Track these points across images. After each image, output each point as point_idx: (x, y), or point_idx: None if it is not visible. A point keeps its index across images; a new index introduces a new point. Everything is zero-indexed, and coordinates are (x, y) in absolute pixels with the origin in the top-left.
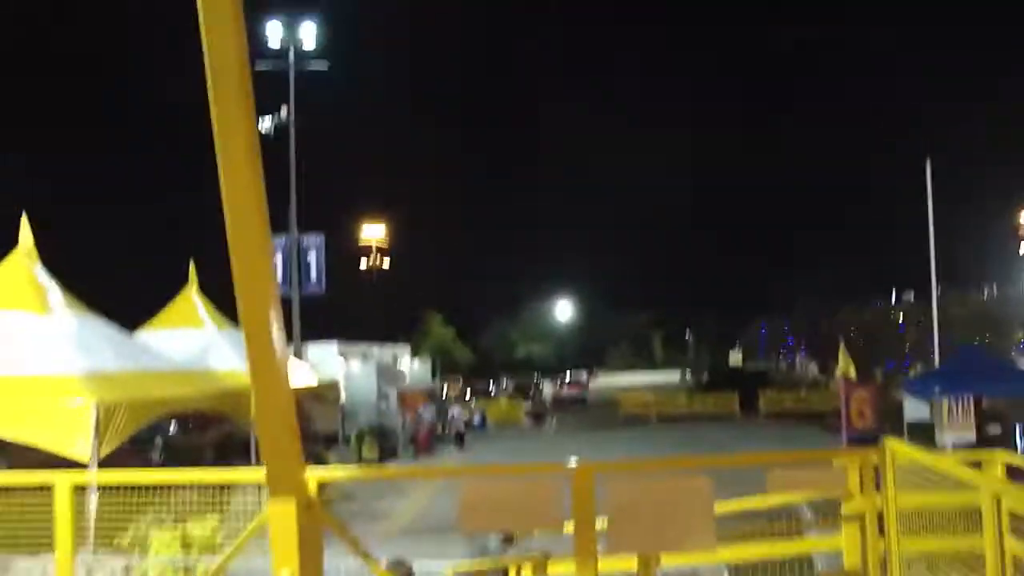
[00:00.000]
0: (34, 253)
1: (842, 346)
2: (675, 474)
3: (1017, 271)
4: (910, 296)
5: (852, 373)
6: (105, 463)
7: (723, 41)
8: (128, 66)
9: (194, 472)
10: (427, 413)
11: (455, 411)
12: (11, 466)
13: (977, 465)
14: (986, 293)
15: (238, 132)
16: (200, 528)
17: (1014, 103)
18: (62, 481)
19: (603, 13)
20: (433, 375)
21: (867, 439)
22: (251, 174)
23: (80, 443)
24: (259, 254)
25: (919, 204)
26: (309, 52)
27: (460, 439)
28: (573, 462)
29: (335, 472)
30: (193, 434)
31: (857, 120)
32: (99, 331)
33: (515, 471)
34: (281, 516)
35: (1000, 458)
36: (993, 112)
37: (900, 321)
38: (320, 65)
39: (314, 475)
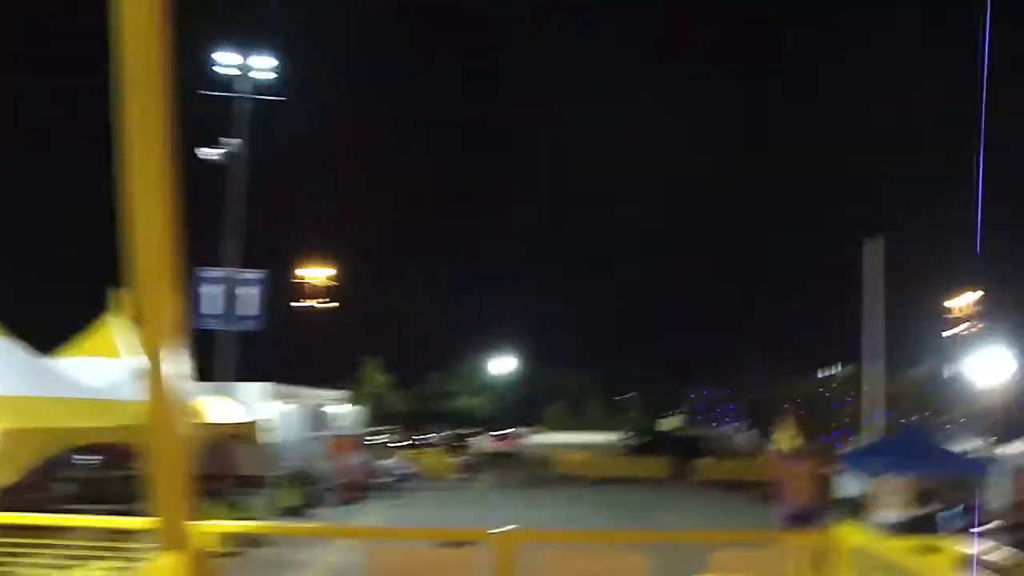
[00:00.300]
0: None
1: (785, 418)
2: (610, 548)
3: (949, 353)
4: (847, 370)
5: (792, 445)
6: (7, 496)
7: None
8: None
9: (72, 518)
10: (358, 461)
11: (389, 461)
12: None
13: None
14: (919, 373)
15: (148, 144)
16: None
17: (960, 189)
18: None
19: (563, 68)
20: (367, 423)
21: (803, 516)
22: (159, 191)
23: None
24: (161, 285)
25: (855, 281)
26: (266, 82)
27: (399, 491)
28: (498, 528)
29: (228, 526)
30: (116, 468)
31: (804, 195)
32: (9, 353)
33: (430, 535)
34: (165, 573)
35: (950, 546)
36: (938, 196)
37: (830, 395)
38: (277, 96)
39: (207, 528)
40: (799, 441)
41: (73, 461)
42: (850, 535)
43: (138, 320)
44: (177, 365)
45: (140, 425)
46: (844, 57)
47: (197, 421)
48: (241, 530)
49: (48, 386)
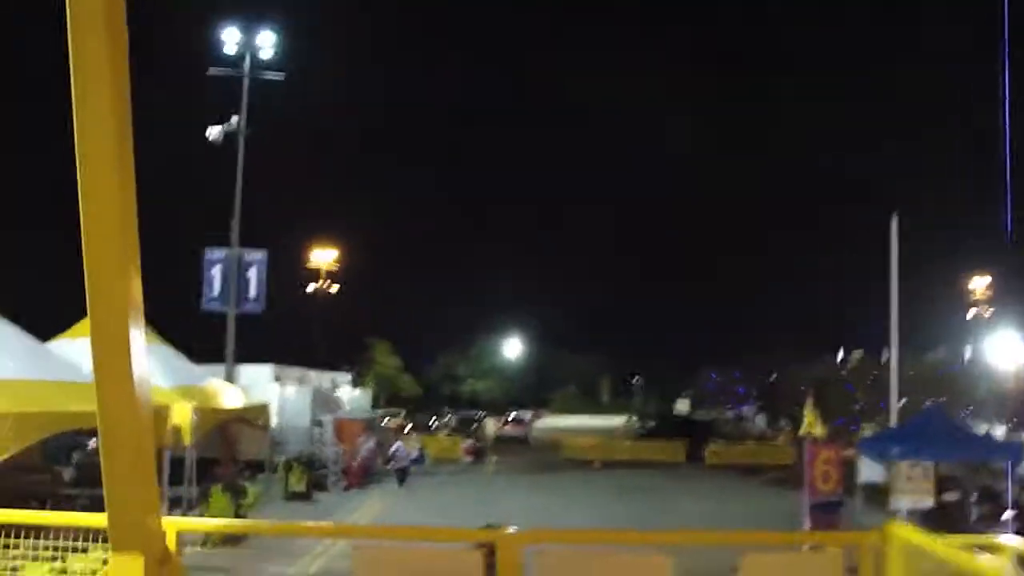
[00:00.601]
0: None
1: (809, 402)
2: (628, 549)
3: (968, 336)
4: (859, 355)
5: (817, 431)
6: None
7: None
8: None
9: (26, 513)
10: (366, 445)
11: (398, 445)
12: None
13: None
14: (939, 356)
15: (101, 98)
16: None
17: (976, 171)
18: None
19: (581, 60)
20: (375, 406)
21: (830, 505)
22: (113, 162)
23: None
24: (114, 253)
25: (872, 263)
26: (266, 61)
27: (402, 475)
28: (503, 528)
29: (196, 523)
30: None
31: (821, 175)
32: (2, 336)
33: (425, 535)
34: (125, 574)
35: (1010, 547)
36: (954, 178)
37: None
38: (277, 75)
39: (172, 525)
40: (824, 426)
41: (88, 445)
42: (899, 534)
43: (92, 306)
44: (136, 351)
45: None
46: (879, 32)
47: (201, 405)
48: (210, 528)
49: (46, 369)
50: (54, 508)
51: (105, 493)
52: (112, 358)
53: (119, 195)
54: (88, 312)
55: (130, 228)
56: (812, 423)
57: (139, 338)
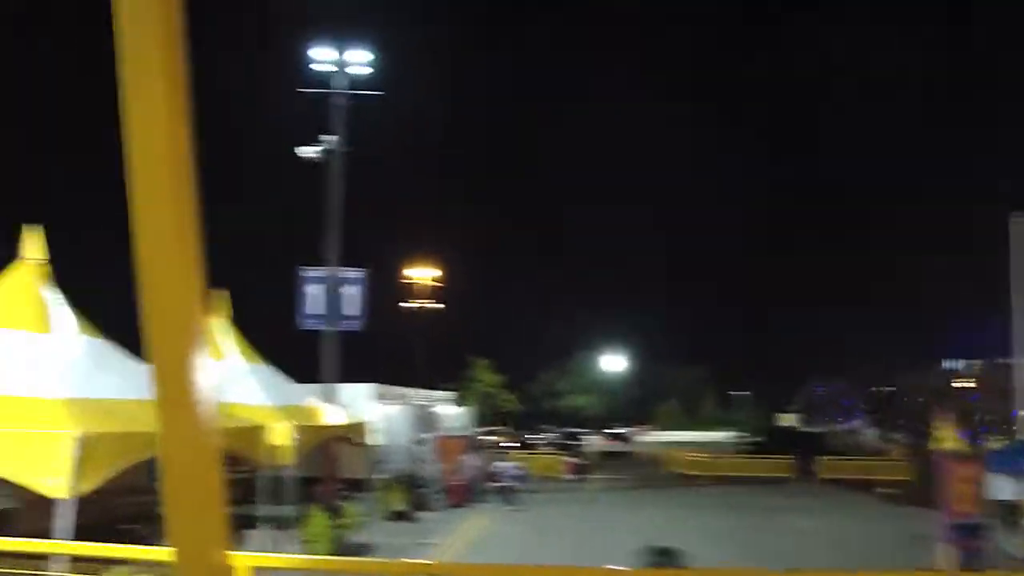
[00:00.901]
0: (41, 268)
1: (941, 414)
2: None
3: None
4: (978, 364)
5: (951, 445)
6: (89, 502)
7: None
8: None
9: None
10: (469, 463)
11: (502, 463)
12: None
13: None
14: None
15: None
16: None
17: None
18: None
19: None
20: (476, 423)
21: (970, 527)
22: (174, 184)
23: (55, 478)
24: (180, 286)
25: (985, 267)
26: (362, 77)
27: (506, 493)
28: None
29: (267, 558)
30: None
31: (933, 174)
32: (103, 355)
33: None
34: None
35: None
36: None
37: (969, 389)
38: (373, 93)
39: (243, 559)
40: (961, 441)
41: None
42: None
43: (148, 327)
44: (199, 374)
45: (243, 428)
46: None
47: (302, 423)
48: (282, 564)
49: (136, 388)
50: (159, 529)
51: (166, 526)
52: (172, 382)
53: (176, 205)
54: (144, 334)
55: (190, 241)
56: (945, 437)
57: (202, 360)
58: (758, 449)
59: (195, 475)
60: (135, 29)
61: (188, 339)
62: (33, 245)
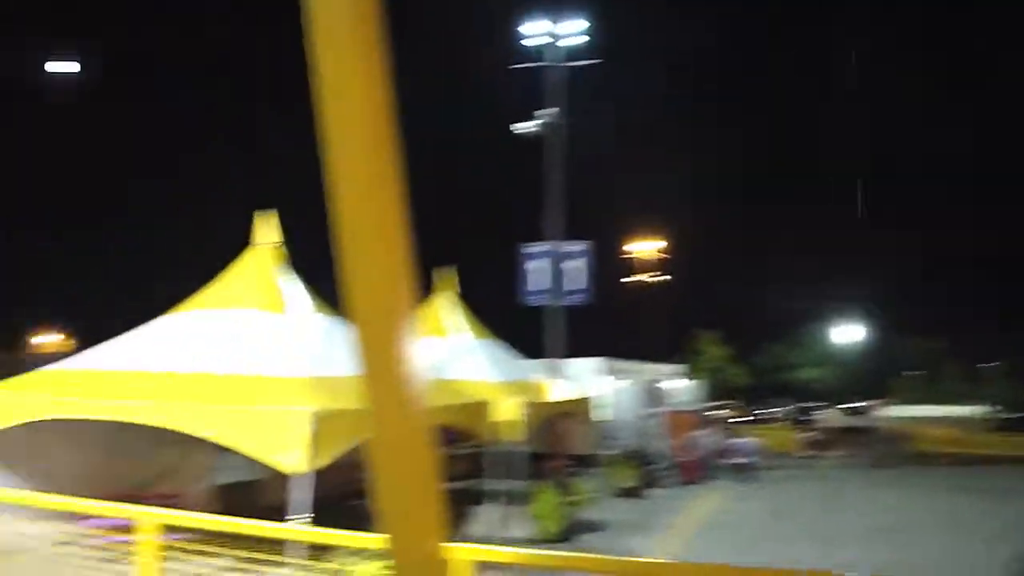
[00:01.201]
0: (275, 251)
1: None
2: None
3: None
4: None
5: None
6: (324, 477)
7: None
8: None
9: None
10: (704, 439)
11: (737, 439)
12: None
13: None
14: None
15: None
16: None
17: None
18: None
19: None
20: (705, 398)
21: None
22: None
23: (291, 454)
24: (386, 266)
25: None
26: (577, 48)
27: (743, 470)
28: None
29: (489, 552)
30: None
31: None
32: (336, 334)
33: None
34: None
35: None
36: None
37: None
38: (589, 62)
39: (461, 553)
40: None
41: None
42: None
43: (353, 309)
44: (408, 355)
45: (469, 404)
46: None
47: (529, 399)
48: (507, 559)
49: None
50: None
51: (379, 514)
52: (380, 365)
53: (378, 181)
54: (351, 316)
55: (395, 217)
56: None
57: (411, 342)
58: (1014, 426)
59: (406, 461)
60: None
61: (395, 318)
62: (266, 229)
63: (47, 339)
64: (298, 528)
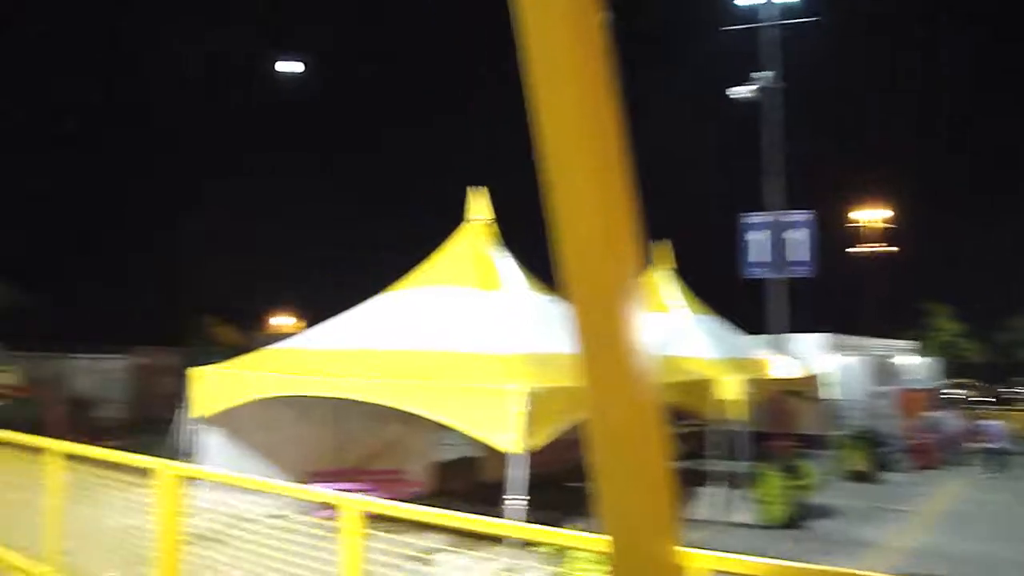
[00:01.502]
0: (487, 228)
1: None
2: None
3: None
4: None
5: None
6: (541, 456)
7: None
8: None
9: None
10: (944, 421)
11: (987, 421)
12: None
13: None
14: None
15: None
16: None
17: None
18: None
19: None
20: (940, 376)
21: None
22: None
23: (507, 433)
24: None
25: None
26: (794, 5)
27: (989, 457)
28: None
29: (736, 563)
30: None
31: None
32: (551, 311)
33: None
34: None
35: None
36: None
37: None
38: (808, 20)
39: (699, 561)
40: None
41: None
42: None
43: (573, 277)
44: (637, 331)
45: (691, 383)
46: None
47: (752, 377)
48: (749, 572)
49: None
50: None
51: (599, 510)
52: (601, 343)
53: (598, 143)
54: (568, 287)
55: (617, 183)
56: None
57: (637, 317)
58: None
59: (633, 452)
60: None
61: (618, 290)
62: (479, 206)
63: (283, 321)
64: (510, 523)
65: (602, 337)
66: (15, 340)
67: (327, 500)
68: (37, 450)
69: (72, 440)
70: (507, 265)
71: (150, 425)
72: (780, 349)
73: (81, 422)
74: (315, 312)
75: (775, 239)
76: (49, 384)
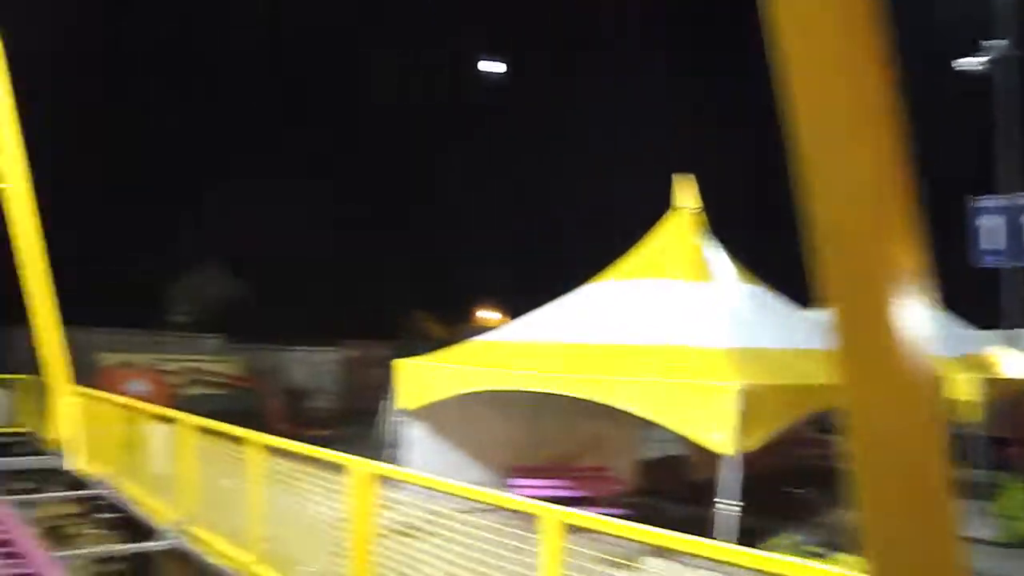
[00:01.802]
0: (695, 216)
1: None
2: None
3: None
4: None
5: None
6: (755, 457)
7: None
8: None
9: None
10: None
11: None
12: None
13: None
14: None
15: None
16: None
17: None
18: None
19: None
20: None
21: None
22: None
23: (719, 432)
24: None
25: None
26: None
27: None
28: None
29: None
30: None
31: None
32: (764, 303)
33: None
34: None
35: None
36: None
37: None
38: None
39: None
40: None
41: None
42: None
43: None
44: (909, 324)
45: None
46: None
47: (985, 375)
48: None
49: (802, 337)
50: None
51: (866, 556)
52: (868, 346)
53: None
54: (820, 278)
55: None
56: None
57: (916, 313)
58: None
59: (908, 478)
60: None
61: (891, 287)
62: (686, 194)
63: (489, 315)
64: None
65: (870, 339)
66: (236, 332)
67: (525, 509)
68: (240, 440)
69: (288, 428)
70: (716, 255)
71: (359, 416)
72: (1016, 345)
73: (296, 412)
74: (523, 303)
75: (1011, 224)
76: (267, 375)
